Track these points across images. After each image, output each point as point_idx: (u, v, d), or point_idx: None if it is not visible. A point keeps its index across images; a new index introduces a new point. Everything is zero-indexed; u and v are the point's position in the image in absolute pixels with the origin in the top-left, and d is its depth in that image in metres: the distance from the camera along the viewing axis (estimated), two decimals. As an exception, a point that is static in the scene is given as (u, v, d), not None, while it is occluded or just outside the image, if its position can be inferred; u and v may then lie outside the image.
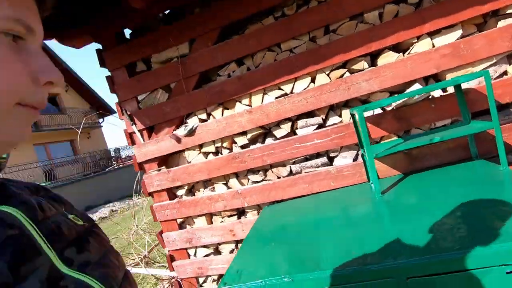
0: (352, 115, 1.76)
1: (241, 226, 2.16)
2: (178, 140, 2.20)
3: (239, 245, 2.28)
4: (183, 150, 2.27)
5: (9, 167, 11.35)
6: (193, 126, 2.14)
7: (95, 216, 10.48)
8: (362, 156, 1.82)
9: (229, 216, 2.26)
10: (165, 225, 2.40)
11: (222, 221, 2.28)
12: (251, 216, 2.20)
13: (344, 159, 1.96)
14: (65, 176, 13.87)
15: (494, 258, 0.84)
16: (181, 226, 2.41)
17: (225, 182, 2.24)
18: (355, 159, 1.93)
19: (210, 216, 2.34)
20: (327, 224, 1.42)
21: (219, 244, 2.32)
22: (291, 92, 1.97)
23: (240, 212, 2.27)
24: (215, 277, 2.39)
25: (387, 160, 1.84)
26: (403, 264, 0.92)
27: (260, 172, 2.14)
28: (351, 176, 1.89)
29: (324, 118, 1.96)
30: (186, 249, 2.40)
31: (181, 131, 2.16)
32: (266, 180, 2.13)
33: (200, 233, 2.28)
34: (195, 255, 2.40)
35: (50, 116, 14.71)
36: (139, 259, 3.05)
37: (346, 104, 1.94)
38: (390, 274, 0.93)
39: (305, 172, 2.01)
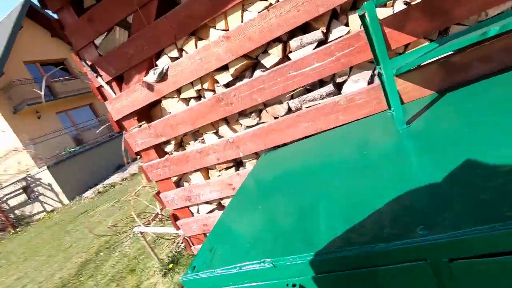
0: (362, 18, 1.23)
1: (239, 179, 1.87)
2: (150, 87, 1.81)
3: (243, 198, 2.03)
4: (160, 100, 1.90)
5: (40, 136, 11.88)
6: (163, 68, 1.73)
7: (127, 173, 10.98)
8: (379, 75, 1.34)
9: (226, 169, 1.97)
10: (161, 184, 2.18)
11: (219, 175, 2.01)
12: (250, 167, 1.89)
13: (356, 84, 1.49)
14: (92, 139, 14.39)
15: None
16: (178, 184, 2.18)
17: (215, 131, 1.90)
18: (370, 82, 1.46)
19: (206, 170, 2.06)
20: (332, 172, 1.06)
21: (221, 199, 2.09)
22: (277, 1, 1.44)
23: (238, 163, 1.97)
24: (223, 232, 2.23)
25: (414, 77, 1.35)
26: (443, 239, 0.56)
27: (253, 114, 1.75)
28: (365, 104, 1.44)
29: (324, 31, 1.44)
30: (187, 207, 2.21)
31: (150, 77, 1.77)
32: (262, 123, 1.75)
33: (198, 190, 2.04)
34: (198, 212, 2.21)
35: (63, 83, 14.70)
36: (151, 217, 2.99)
37: (354, 5, 1.39)
38: (421, 254, 0.58)
39: (306, 108, 1.59)
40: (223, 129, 1.85)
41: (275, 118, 1.70)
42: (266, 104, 1.71)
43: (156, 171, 2.10)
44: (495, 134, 0.80)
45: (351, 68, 1.47)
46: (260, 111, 1.74)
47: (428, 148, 0.92)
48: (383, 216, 0.70)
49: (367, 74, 1.47)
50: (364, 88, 1.43)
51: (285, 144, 1.70)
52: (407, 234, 0.60)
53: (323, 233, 0.73)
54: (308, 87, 1.59)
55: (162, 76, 1.75)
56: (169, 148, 2.06)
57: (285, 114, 1.67)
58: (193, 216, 2.24)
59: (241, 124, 1.81)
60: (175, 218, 2.27)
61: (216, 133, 1.90)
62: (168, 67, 1.72)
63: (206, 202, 2.14)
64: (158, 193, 2.22)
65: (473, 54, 1.25)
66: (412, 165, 0.89)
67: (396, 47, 1.33)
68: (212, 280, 0.81)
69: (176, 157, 1.98)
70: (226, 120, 1.84)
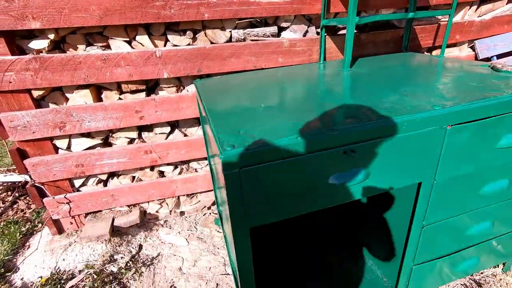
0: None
1: (154, 106, 1.56)
2: None
3: (144, 134, 1.70)
4: (47, -38, 1.23)
5: None
6: None
7: None
8: (322, 29, 1.59)
9: (132, 92, 1.57)
10: (5, 98, 1.40)
11: (121, 98, 1.57)
12: (167, 94, 1.62)
13: (294, 34, 1.67)
14: None
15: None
16: (41, 103, 1.48)
17: (128, 39, 1.47)
18: (304, 35, 1.69)
19: (96, 90, 1.54)
20: (294, 94, 1.14)
21: (112, 132, 1.64)
22: None
23: (150, 88, 1.62)
24: (104, 177, 1.75)
25: (337, 42, 1.71)
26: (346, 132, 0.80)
27: (189, 32, 1.52)
28: (303, 53, 1.66)
29: (284, -29, 1.52)
30: (51, 139, 1.55)
31: None
32: (193, 45, 1.54)
33: (82, 115, 1.49)
34: (69, 147, 1.61)
35: None
36: None
37: (312, -40, 1.56)
38: (335, 142, 0.78)
39: (252, 41, 1.59)
40: (143, 39, 1.47)
41: (212, 43, 1.57)
42: (206, 26, 1.54)
43: (2, 74, 1.32)
44: (383, 86, 1.22)
45: (295, 16, 1.63)
46: (197, 31, 1.54)
47: (361, 82, 1.23)
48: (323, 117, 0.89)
49: (304, 27, 1.68)
50: (306, 38, 1.64)
51: (218, 74, 1.60)
52: (327, 129, 0.79)
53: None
54: (256, 22, 1.59)
55: None
56: (39, 44, 1.36)
57: (224, 43, 1.58)
58: (57, 153, 1.59)
59: (168, 40, 1.52)
60: (21, 155, 1.52)
61: (130, 42, 1.48)
62: None
63: (88, 134, 1.60)
64: (-5, 112, 1.40)
65: (368, 38, 1.76)
66: (348, 92, 1.16)
67: (335, 11, 1.63)
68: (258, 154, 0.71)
69: (55, 59, 1.35)
70: (148, 29, 1.47)
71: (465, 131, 0.89)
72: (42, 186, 1.61)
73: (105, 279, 1.56)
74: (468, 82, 1.05)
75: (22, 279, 1.59)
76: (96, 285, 1.52)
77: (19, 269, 1.65)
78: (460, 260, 1.22)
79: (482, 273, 1.46)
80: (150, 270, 1.66)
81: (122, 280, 1.59)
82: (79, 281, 1.56)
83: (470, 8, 1.99)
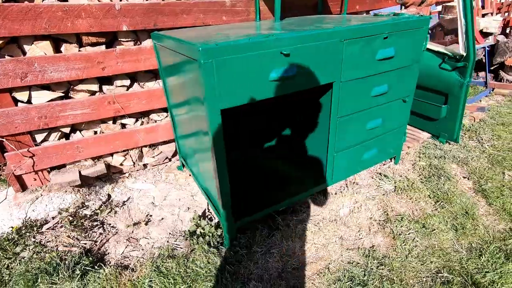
0: None
1: (115, 57, 1.73)
2: None
3: (105, 87, 1.84)
4: None
5: None
6: None
7: None
8: (255, -7, 1.96)
9: (92, 45, 1.71)
10: (-40, 48, 1.42)
11: (80, 50, 1.70)
12: (127, 47, 1.79)
13: (233, -3, 2.00)
14: None
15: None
16: (-3, 54, 1.53)
17: (85, -6, 1.61)
18: (243, -1, 2.04)
19: (54, 42, 1.65)
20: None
21: (72, 85, 1.75)
22: None
23: (109, 42, 1.78)
24: (67, 130, 1.84)
25: (268, 4, 2.11)
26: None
27: (142, -10, 1.73)
28: (242, 12, 2.01)
29: None
30: (10, 91, 1.60)
31: None
32: (149, 1, 1.76)
33: (44, 65, 1.58)
34: (29, 101, 1.67)
35: None
36: None
37: None
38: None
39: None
40: (100, -5, 1.63)
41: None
42: (157, -15, 1.76)
43: (-42, 21, 1.35)
44: (303, 24, 1.69)
45: (233, -18, 1.97)
46: (149, -10, 1.76)
47: (289, 25, 1.66)
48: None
49: (241, -8, 2.03)
50: (243, 0, 1.99)
51: (172, 29, 1.83)
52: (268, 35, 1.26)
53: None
54: (200, -16, 1.88)
55: None
56: (-5, -7, 1.42)
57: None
58: (17, 105, 1.64)
59: (123, -2, 1.71)
60: (-22, 107, 1.54)
61: (87, -3, 1.62)
62: None
63: (48, 87, 1.69)
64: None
65: (294, 2, 2.21)
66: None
67: (263, -22, 2.01)
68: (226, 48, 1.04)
69: (15, 8, 1.43)
70: (104, -13, 1.64)
71: (355, 44, 1.35)
72: (3, 139, 1.64)
73: (82, 220, 1.68)
74: (354, 20, 1.55)
75: (-10, 231, 1.61)
76: (75, 223, 1.64)
77: (-17, 225, 1.65)
78: (365, 150, 1.75)
79: (382, 165, 2.04)
80: (124, 208, 1.83)
81: (98, 218, 1.74)
82: (55, 224, 1.66)
83: (364, -15, 2.61)
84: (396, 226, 1.52)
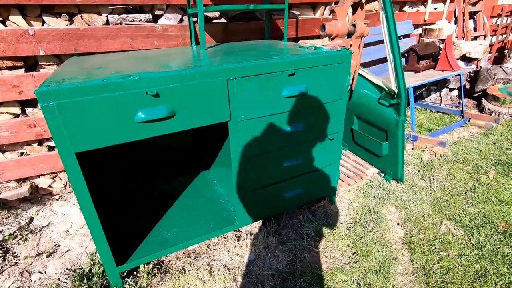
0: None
1: (33, 82, 1.70)
2: None
3: (28, 109, 1.82)
4: None
5: None
6: None
7: None
8: (189, 17, 1.90)
9: (9, 68, 1.69)
10: None
11: (1, 74, 1.68)
12: (47, 71, 1.76)
13: (169, 21, 1.95)
14: None
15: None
16: None
17: (1, 19, 1.60)
18: (180, 22, 1.98)
19: (-29, 66, 1.63)
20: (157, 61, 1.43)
21: (-8, 106, 1.73)
22: None
23: (31, 66, 1.75)
24: (-14, 151, 1.81)
25: (209, 29, 2.04)
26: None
27: (64, 14, 1.70)
28: (176, 37, 1.95)
29: (152, -33, 1.79)
30: None
31: None
32: (68, 26, 1.73)
33: (-46, 88, 1.57)
34: None
35: None
36: None
37: (177, -41, 1.86)
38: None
39: (126, 25, 1.83)
40: (16, 18, 1.61)
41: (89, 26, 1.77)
42: (81, 10, 1.73)
43: None
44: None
45: (168, 6, 1.92)
46: (73, 14, 1.73)
47: (209, 55, 1.58)
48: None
49: (178, 16, 1.98)
50: (178, 24, 1.93)
51: (96, 53, 1.80)
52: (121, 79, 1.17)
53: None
54: (130, 8, 1.83)
55: None
56: None
57: (101, 25, 1.79)
58: None
59: (44, 22, 1.68)
60: None
61: (3, 22, 1.60)
62: None
63: (-37, 109, 1.67)
64: None
65: (237, 27, 2.13)
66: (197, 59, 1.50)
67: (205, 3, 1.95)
68: (72, 90, 0.96)
69: None
70: (22, 10, 1.62)
71: (250, 82, 1.25)
72: None
73: (-13, 246, 1.63)
74: (270, 52, 1.44)
75: None
76: (-25, 251, 1.59)
77: None
78: (285, 189, 1.62)
79: (316, 203, 1.88)
80: (36, 235, 1.77)
81: (5, 246, 1.68)
82: (-44, 250, 1.61)
83: (325, 8, 2.51)
84: (294, 281, 1.36)
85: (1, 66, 1.66)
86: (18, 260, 1.61)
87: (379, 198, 1.87)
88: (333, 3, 2.51)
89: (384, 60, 3.08)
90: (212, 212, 1.67)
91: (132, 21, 1.85)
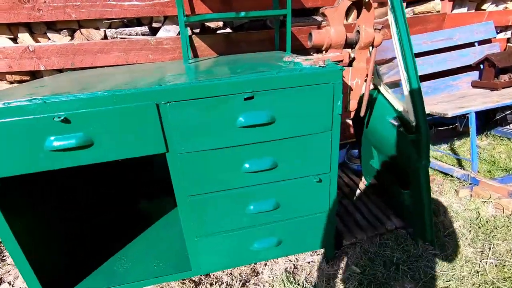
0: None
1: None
2: None
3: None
4: None
5: None
6: None
7: None
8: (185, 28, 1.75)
9: (18, 82, 1.81)
10: None
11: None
12: (52, 85, 1.84)
13: (167, 33, 1.84)
14: None
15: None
16: None
17: (12, 36, 1.72)
18: (178, 34, 1.86)
19: (-10, 80, 1.80)
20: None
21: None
22: None
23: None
24: None
25: (207, 40, 1.86)
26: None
27: (64, 30, 1.74)
28: (172, 50, 1.83)
29: (148, -22, 1.71)
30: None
31: None
32: (64, 42, 1.76)
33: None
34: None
35: None
36: None
37: (175, -32, 1.74)
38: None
39: (120, 38, 1.79)
40: (24, 36, 1.72)
41: (88, 41, 1.78)
42: (82, 25, 1.76)
43: None
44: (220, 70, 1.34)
45: (165, 17, 1.81)
46: (74, 30, 1.77)
47: (193, 70, 1.37)
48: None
49: (177, 27, 1.85)
50: (172, 37, 1.80)
51: (92, 68, 1.80)
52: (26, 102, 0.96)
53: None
54: (126, 21, 1.79)
55: None
56: None
57: (99, 40, 1.78)
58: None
59: (49, 39, 1.76)
60: None
61: (14, 39, 1.73)
62: None
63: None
64: None
65: (241, 37, 1.89)
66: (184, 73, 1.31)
67: (200, 12, 1.79)
68: None
69: None
70: (30, 28, 1.72)
71: (190, 107, 1.00)
72: None
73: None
74: (239, 68, 1.17)
75: None
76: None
77: None
78: (254, 238, 1.30)
79: (310, 256, 1.49)
80: None
81: None
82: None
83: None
84: None
85: (9, 80, 1.79)
86: None
87: (393, 265, 1.36)
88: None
89: (444, 73, 2.41)
90: (173, 251, 1.45)
91: (129, 34, 1.80)
